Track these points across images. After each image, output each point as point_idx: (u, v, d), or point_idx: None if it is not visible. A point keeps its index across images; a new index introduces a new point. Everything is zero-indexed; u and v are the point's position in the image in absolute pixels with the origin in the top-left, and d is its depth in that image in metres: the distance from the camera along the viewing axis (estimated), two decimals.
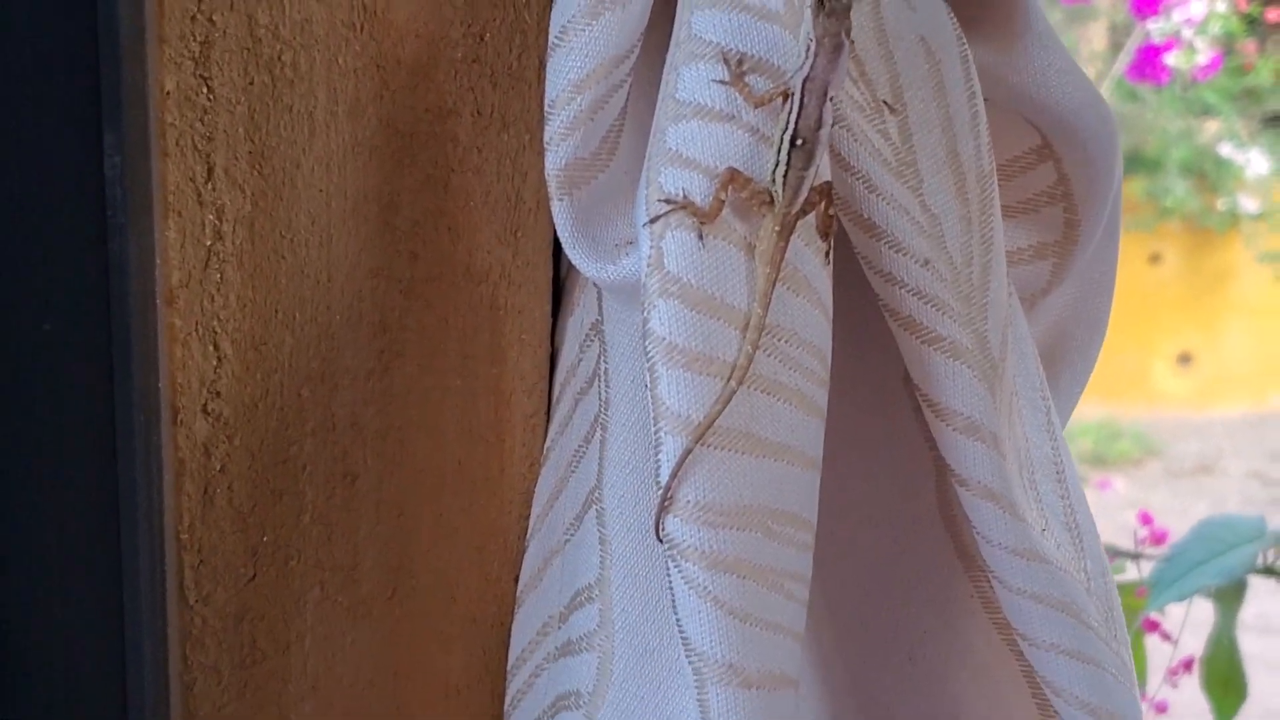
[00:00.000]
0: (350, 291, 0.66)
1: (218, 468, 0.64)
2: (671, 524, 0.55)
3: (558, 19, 0.60)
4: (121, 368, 0.60)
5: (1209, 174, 4.54)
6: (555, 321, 0.73)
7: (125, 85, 0.57)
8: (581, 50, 0.59)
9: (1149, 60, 4.07)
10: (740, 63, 0.58)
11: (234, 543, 0.65)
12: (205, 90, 0.60)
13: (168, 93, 0.59)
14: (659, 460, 0.55)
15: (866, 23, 0.65)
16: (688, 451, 0.55)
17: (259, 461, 0.65)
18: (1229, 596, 1.47)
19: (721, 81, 0.58)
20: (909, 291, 0.62)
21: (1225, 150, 4.55)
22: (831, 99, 0.57)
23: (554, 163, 0.60)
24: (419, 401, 0.69)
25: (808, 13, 0.57)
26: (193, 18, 0.59)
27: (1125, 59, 4.38)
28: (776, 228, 0.57)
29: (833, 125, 0.58)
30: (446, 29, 0.65)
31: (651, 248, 0.56)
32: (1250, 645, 1.54)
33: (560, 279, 0.73)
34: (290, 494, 0.66)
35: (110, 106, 0.57)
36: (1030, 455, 0.67)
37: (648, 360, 0.55)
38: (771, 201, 0.57)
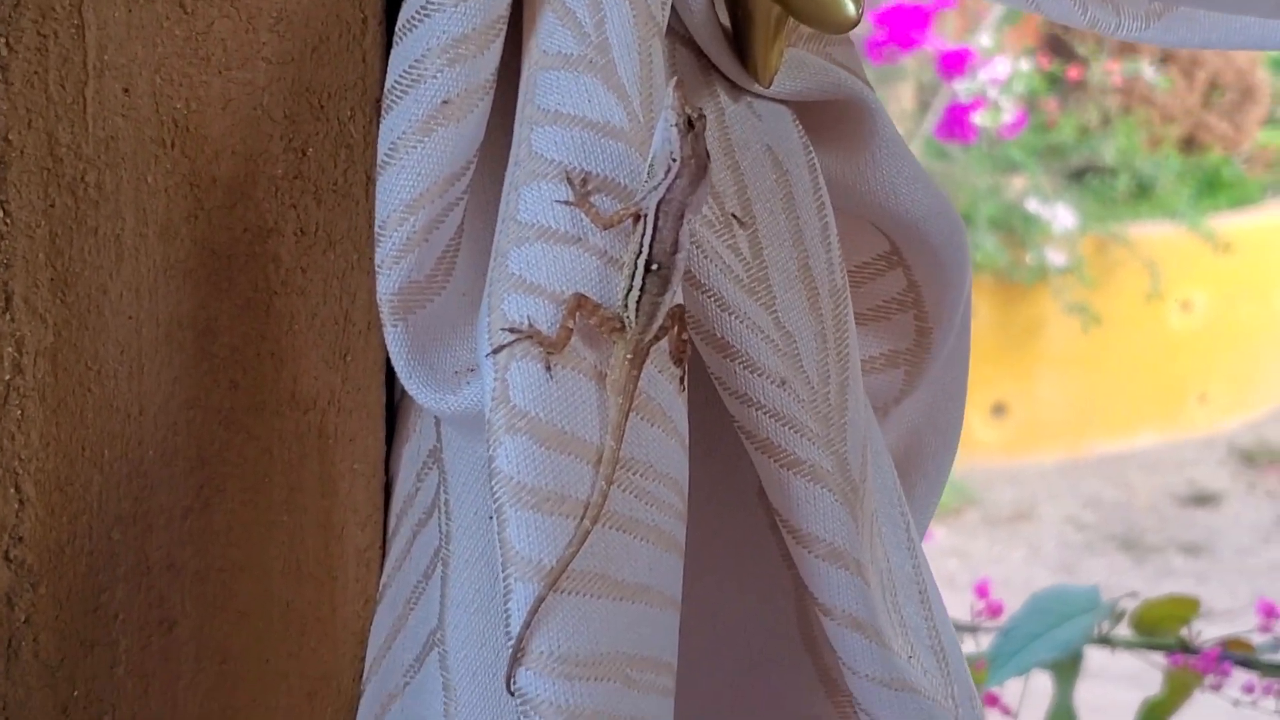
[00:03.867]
0: (164, 425, 0.61)
1: (22, 619, 0.59)
2: (524, 677, 0.51)
3: (387, 135, 0.56)
4: None
5: (1017, 229, 4.64)
6: (390, 449, 0.69)
7: None
8: (414, 168, 0.55)
9: (956, 119, 4.16)
10: (585, 182, 0.55)
11: (42, 699, 0.60)
12: (2, 214, 0.56)
13: None
14: (509, 609, 0.51)
15: (712, 132, 0.62)
16: (540, 599, 0.51)
17: (67, 611, 0.60)
18: (1066, 668, 1.47)
19: (566, 202, 0.54)
20: (766, 413, 0.59)
21: (1032, 205, 4.65)
22: (688, 221, 0.54)
23: (386, 287, 0.56)
24: (242, 539, 0.65)
25: (660, 130, 0.54)
26: None
27: (933, 118, 4.47)
28: (629, 355, 0.54)
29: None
30: (265, 144, 0.61)
31: (495, 380, 0.52)
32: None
33: (394, 403, 0.69)
34: (102, 645, 0.62)
35: None
36: (892, 575, 0.65)
37: (494, 501, 0.51)
38: (623, 328, 0.54)
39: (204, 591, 0.64)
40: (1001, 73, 4.46)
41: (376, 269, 0.56)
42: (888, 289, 0.72)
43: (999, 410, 4.86)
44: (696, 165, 0.54)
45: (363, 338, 0.66)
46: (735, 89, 0.64)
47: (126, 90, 0.57)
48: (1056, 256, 4.62)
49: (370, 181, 0.63)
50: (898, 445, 0.74)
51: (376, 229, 0.56)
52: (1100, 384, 4.78)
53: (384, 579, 0.69)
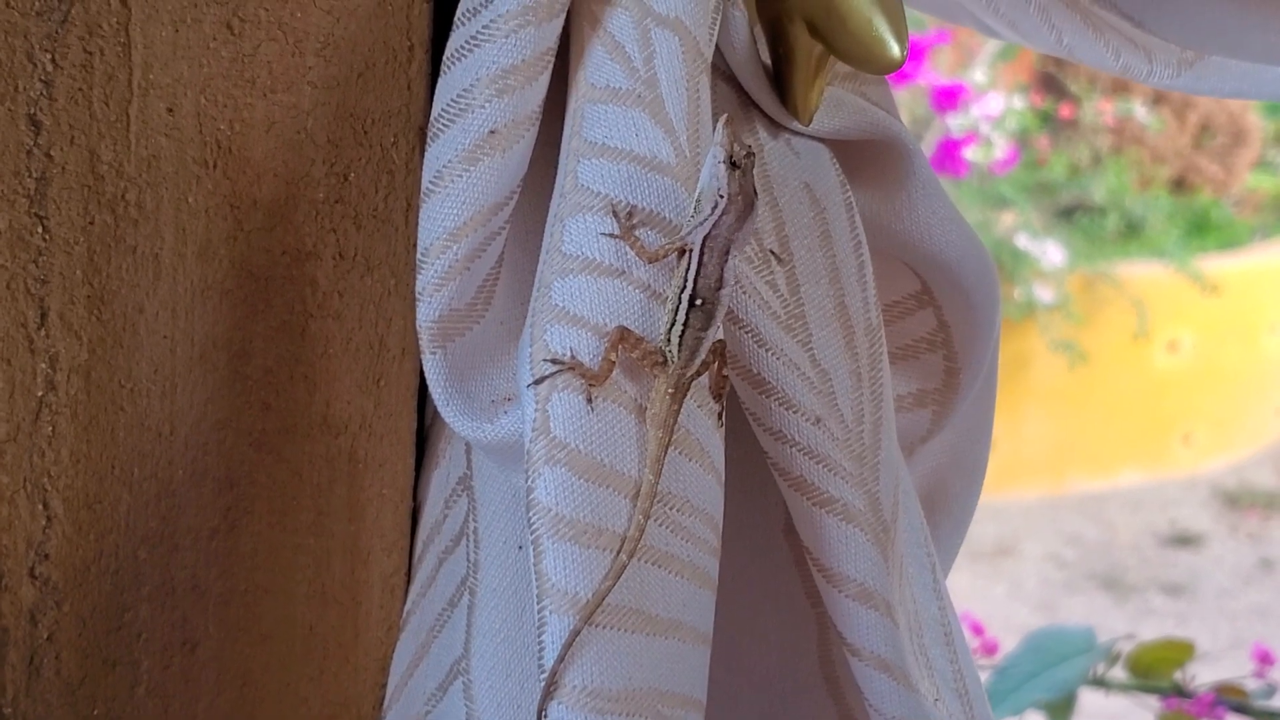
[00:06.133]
0: (195, 445, 0.61)
1: (45, 636, 0.59)
2: (556, 711, 0.51)
3: (432, 163, 0.56)
4: None
5: (1006, 264, 4.64)
6: (418, 475, 0.69)
7: None
8: (458, 197, 0.55)
9: (949, 153, 4.16)
10: (630, 215, 0.55)
11: (62, 717, 0.60)
12: (41, 230, 0.55)
13: None
14: (542, 641, 0.51)
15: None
16: (575, 633, 0.51)
17: (90, 629, 0.60)
18: (1060, 709, 1.47)
19: (611, 235, 0.54)
20: (800, 451, 0.59)
21: (1021, 241, 4.65)
22: (733, 258, 0.54)
23: (426, 314, 0.56)
24: (268, 562, 0.64)
25: (709, 166, 0.54)
26: (28, 152, 0.55)
27: (925, 152, 4.48)
28: (670, 389, 0.54)
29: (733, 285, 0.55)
30: (307, 168, 0.60)
31: (536, 411, 0.52)
32: None
33: (424, 429, 0.68)
34: (124, 664, 0.61)
35: None
36: (919, 617, 0.65)
37: (532, 532, 0.51)
38: (664, 362, 0.54)
39: (227, 613, 0.63)
40: (994, 109, 4.46)
41: (417, 296, 0.56)
42: (917, 328, 0.72)
43: None
44: (743, 202, 0.54)
45: (396, 363, 0.66)
46: (774, 126, 0.64)
47: (170, 110, 0.57)
48: (1044, 293, 4.62)
49: (410, 208, 0.63)
50: (922, 485, 0.74)
51: (419, 256, 0.56)
52: (1085, 421, 4.77)
53: (408, 606, 0.68)
